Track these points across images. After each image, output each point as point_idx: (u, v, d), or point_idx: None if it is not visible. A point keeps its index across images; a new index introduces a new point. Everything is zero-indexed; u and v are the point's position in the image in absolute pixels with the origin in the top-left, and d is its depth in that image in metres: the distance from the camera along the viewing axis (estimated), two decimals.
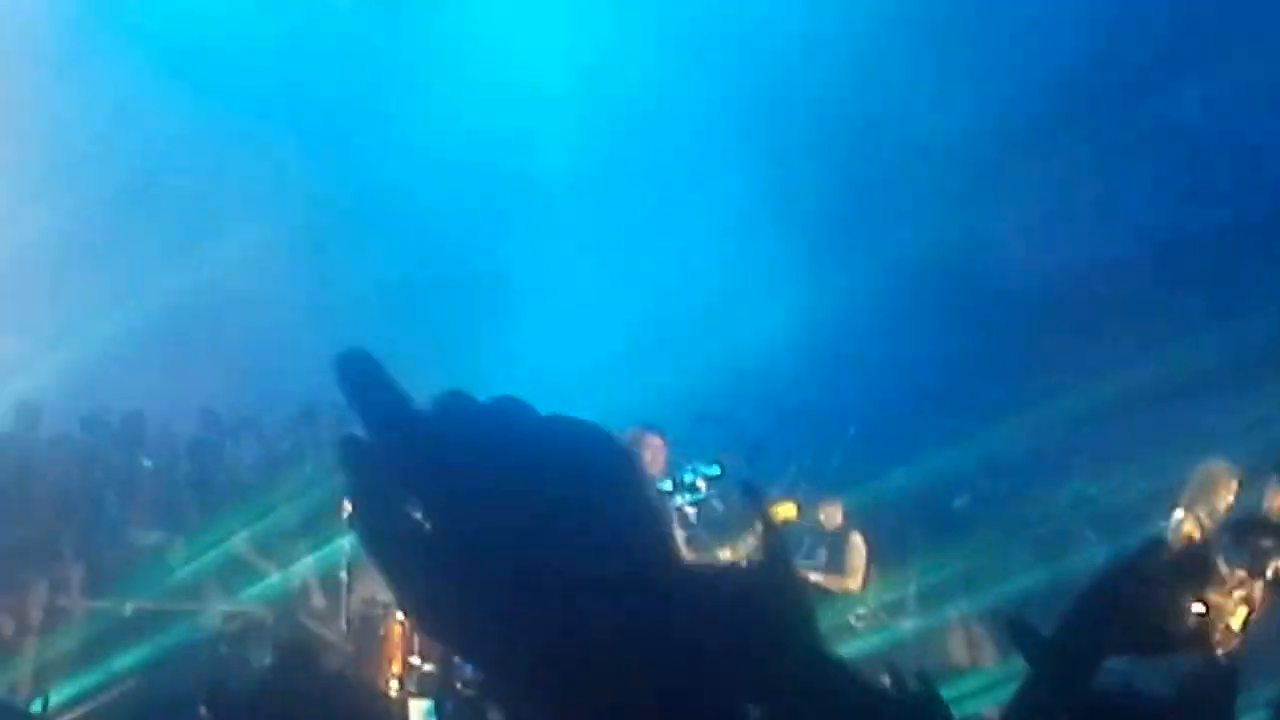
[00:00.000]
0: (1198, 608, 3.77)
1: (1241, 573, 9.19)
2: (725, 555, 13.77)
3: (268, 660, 12.86)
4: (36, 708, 10.72)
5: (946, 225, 18.16)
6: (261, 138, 18.76)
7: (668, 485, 14.28)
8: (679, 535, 13.75)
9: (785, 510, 13.25)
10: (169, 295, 16.72)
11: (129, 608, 13.69)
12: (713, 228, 19.74)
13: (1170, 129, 19.28)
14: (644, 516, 1.54)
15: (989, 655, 13.89)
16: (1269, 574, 9.37)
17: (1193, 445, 15.22)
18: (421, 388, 1.50)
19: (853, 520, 14.43)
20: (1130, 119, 18.56)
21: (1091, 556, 13.52)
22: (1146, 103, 18.65)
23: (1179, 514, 11.84)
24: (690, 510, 14.05)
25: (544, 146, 19.93)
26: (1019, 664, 3.28)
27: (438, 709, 10.82)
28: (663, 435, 13.50)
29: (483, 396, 1.59)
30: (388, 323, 17.64)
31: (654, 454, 13.25)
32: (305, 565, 13.85)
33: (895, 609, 14.63)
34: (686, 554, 13.33)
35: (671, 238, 19.75)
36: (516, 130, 19.78)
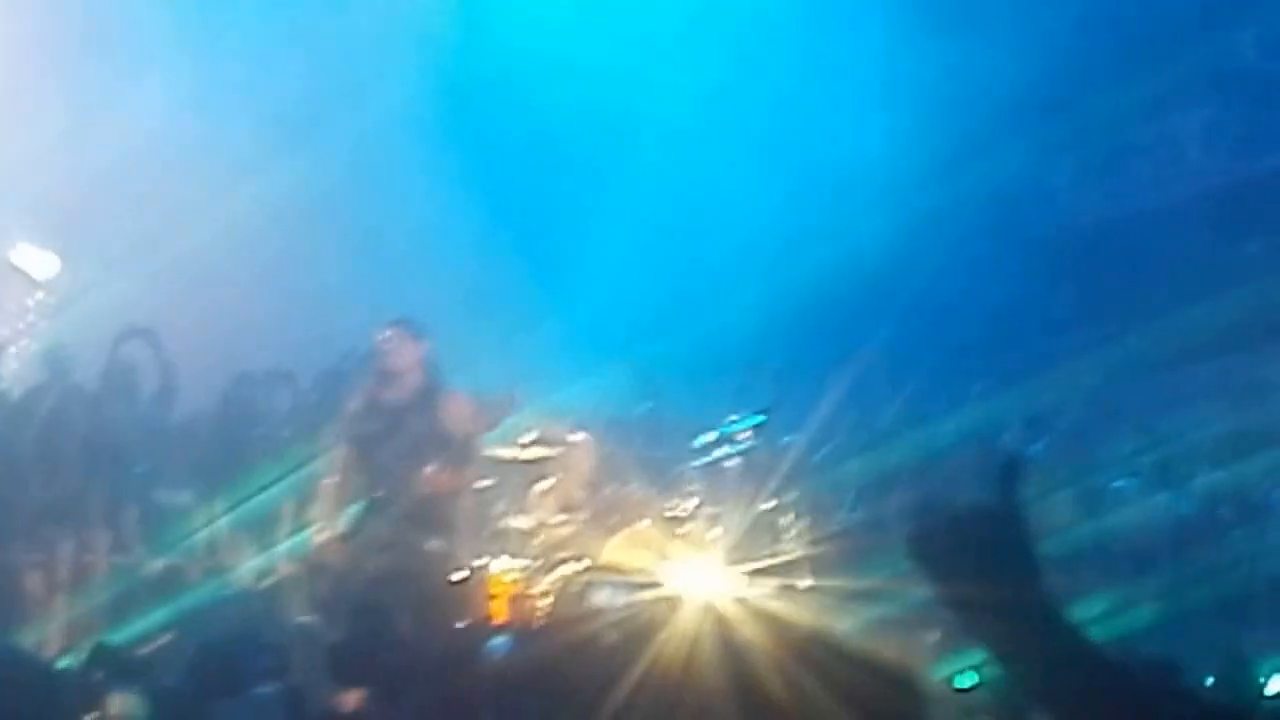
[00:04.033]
0: None
1: None
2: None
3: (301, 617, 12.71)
4: (63, 665, 10.52)
5: (997, 171, 17.67)
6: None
7: (711, 437, 13.81)
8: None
9: None
10: (201, 244, 16.45)
11: (159, 565, 13.49)
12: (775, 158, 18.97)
13: (1225, 71, 18.85)
14: None
15: None
16: None
17: (1247, 397, 14.87)
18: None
19: None
20: (1184, 62, 18.09)
21: (1139, 512, 13.17)
22: (1201, 45, 18.19)
23: None
24: (732, 463, 13.62)
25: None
26: None
27: None
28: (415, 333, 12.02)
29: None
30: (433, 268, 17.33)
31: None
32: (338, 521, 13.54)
33: None
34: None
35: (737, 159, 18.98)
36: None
